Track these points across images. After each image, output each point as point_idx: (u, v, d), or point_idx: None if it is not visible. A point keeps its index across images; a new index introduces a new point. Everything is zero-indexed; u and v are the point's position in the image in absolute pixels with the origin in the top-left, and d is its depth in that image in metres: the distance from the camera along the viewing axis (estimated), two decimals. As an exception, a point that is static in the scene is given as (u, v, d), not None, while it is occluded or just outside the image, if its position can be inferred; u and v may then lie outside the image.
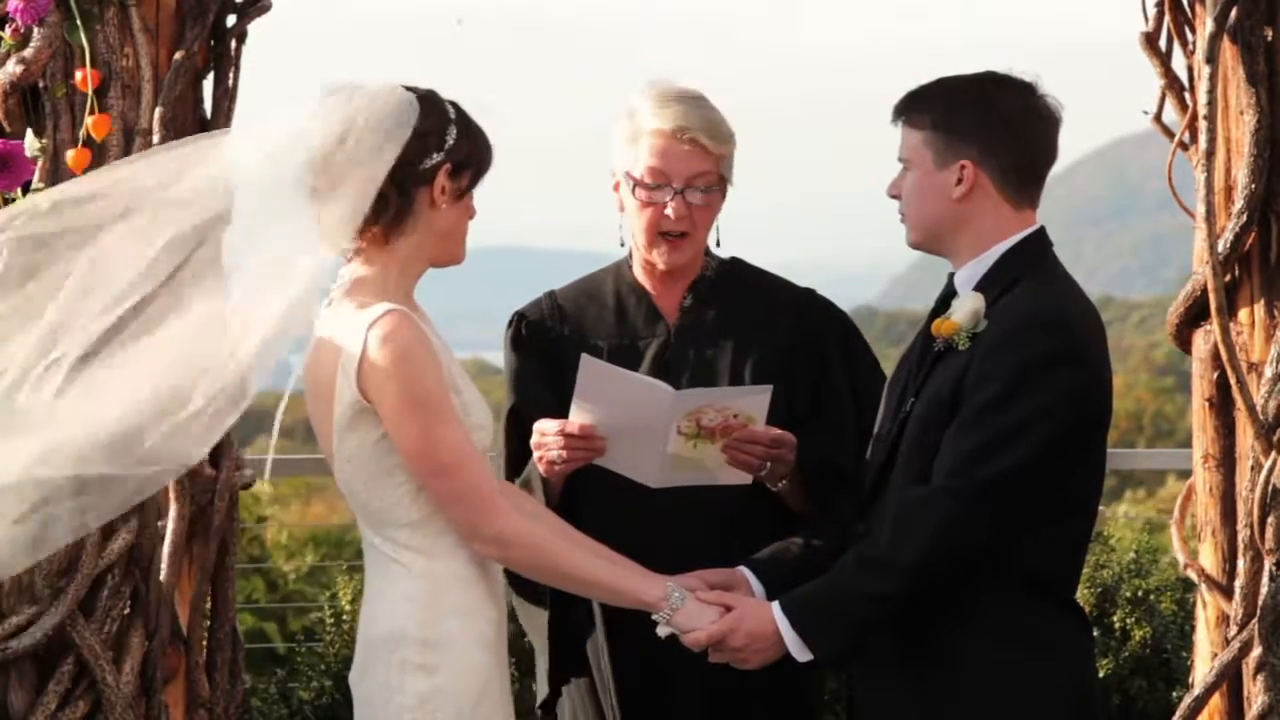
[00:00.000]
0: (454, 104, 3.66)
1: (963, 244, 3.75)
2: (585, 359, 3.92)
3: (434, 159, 3.60)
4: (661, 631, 3.74)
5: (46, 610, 4.24)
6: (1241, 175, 4.42)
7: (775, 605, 3.70)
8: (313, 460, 3.74)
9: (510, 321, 4.27)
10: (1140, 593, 6.10)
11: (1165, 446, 24.25)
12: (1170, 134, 4.70)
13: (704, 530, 4.07)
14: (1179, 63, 4.67)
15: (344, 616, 5.91)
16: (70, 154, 4.23)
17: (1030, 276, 3.70)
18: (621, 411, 3.91)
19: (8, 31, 4.24)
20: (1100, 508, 3.95)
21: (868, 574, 3.64)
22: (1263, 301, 4.46)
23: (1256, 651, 4.36)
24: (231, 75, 4.62)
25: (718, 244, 4.22)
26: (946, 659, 3.67)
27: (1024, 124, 3.72)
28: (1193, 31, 4.60)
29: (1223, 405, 4.55)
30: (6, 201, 4.19)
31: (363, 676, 3.67)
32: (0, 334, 3.60)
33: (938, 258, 3.85)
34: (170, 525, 4.46)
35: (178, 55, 4.42)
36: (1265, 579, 4.35)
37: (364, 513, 3.67)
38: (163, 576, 4.42)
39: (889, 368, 3.94)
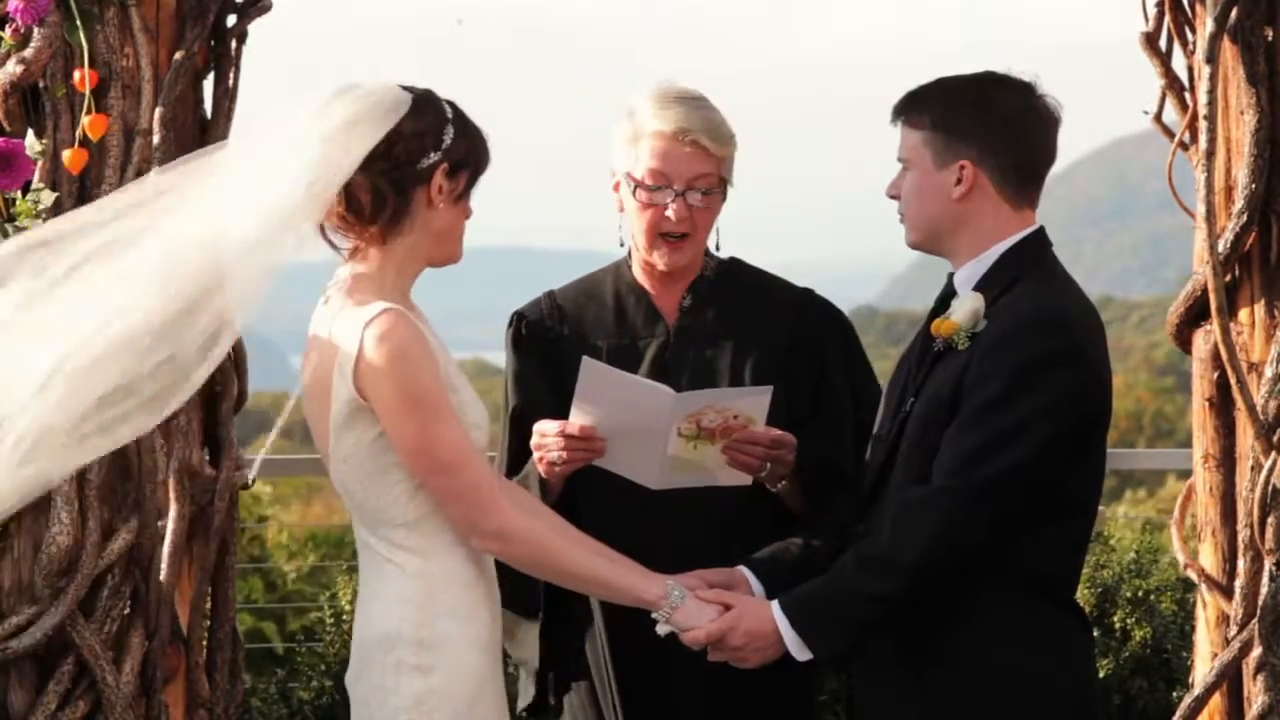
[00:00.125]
0: (451, 104, 3.66)
1: (962, 244, 3.75)
2: (586, 361, 3.92)
3: (431, 158, 3.60)
4: (661, 630, 3.74)
5: (46, 610, 4.24)
6: (1242, 175, 4.42)
7: (775, 604, 3.70)
8: (309, 460, 3.74)
9: (510, 321, 4.28)
10: (1140, 593, 6.10)
11: (1165, 446, 24.25)
12: (1170, 134, 4.70)
13: (704, 530, 4.07)
14: (1179, 63, 4.68)
15: (344, 616, 5.91)
16: (67, 154, 4.23)
17: (1030, 276, 3.70)
18: (622, 413, 3.91)
19: (8, 31, 4.25)
20: (1100, 508, 3.95)
21: (867, 573, 3.64)
22: (1263, 301, 4.46)
23: (1256, 651, 4.36)
24: (231, 75, 4.62)
25: (717, 246, 4.22)
26: (946, 659, 3.67)
27: (1023, 124, 3.72)
28: (1193, 31, 4.60)
29: (1223, 405, 4.55)
30: (7, 202, 4.19)
31: (359, 677, 3.67)
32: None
33: (938, 258, 3.85)
34: (170, 525, 4.46)
35: (178, 55, 4.42)
36: (1265, 579, 4.35)
37: (359, 512, 3.67)
38: (163, 576, 4.42)
39: (889, 367, 3.94)
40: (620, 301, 4.22)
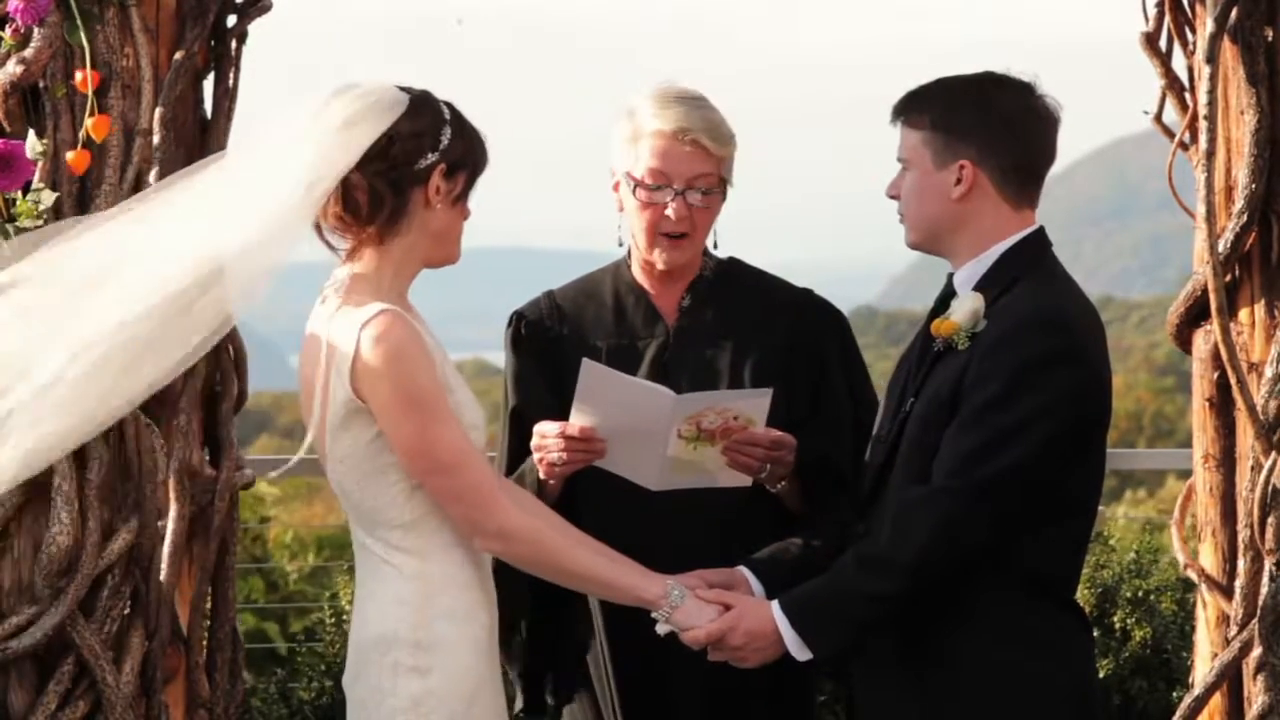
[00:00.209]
0: (449, 105, 3.67)
1: (962, 244, 3.75)
2: (586, 363, 3.92)
3: (428, 159, 3.61)
4: (661, 629, 3.74)
5: (46, 610, 4.24)
6: (1242, 175, 4.42)
7: (775, 604, 3.70)
8: (309, 461, 3.75)
9: (509, 321, 4.28)
10: (1140, 593, 6.10)
11: (1165, 446, 24.28)
12: (1170, 134, 4.70)
13: (704, 531, 4.07)
14: (1179, 63, 4.68)
15: (344, 617, 5.92)
16: (70, 155, 4.23)
17: (1030, 276, 3.70)
18: (622, 415, 3.91)
19: (8, 31, 4.24)
20: (1100, 508, 3.95)
21: (867, 573, 3.64)
22: (1263, 301, 4.46)
23: (1257, 651, 4.36)
24: (231, 75, 4.62)
25: (714, 246, 4.22)
26: (946, 659, 3.67)
27: (1023, 124, 3.72)
28: (1193, 31, 4.60)
29: (1223, 405, 4.55)
30: (7, 202, 4.19)
31: (356, 679, 3.67)
32: None
33: (938, 258, 3.85)
34: (170, 525, 4.46)
35: (178, 55, 4.42)
36: (1265, 579, 4.35)
37: (356, 513, 3.67)
38: (163, 576, 4.42)
39: (889, 367, 3.94)
40: (619, 301, 4.22)
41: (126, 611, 4.38)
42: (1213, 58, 4.36)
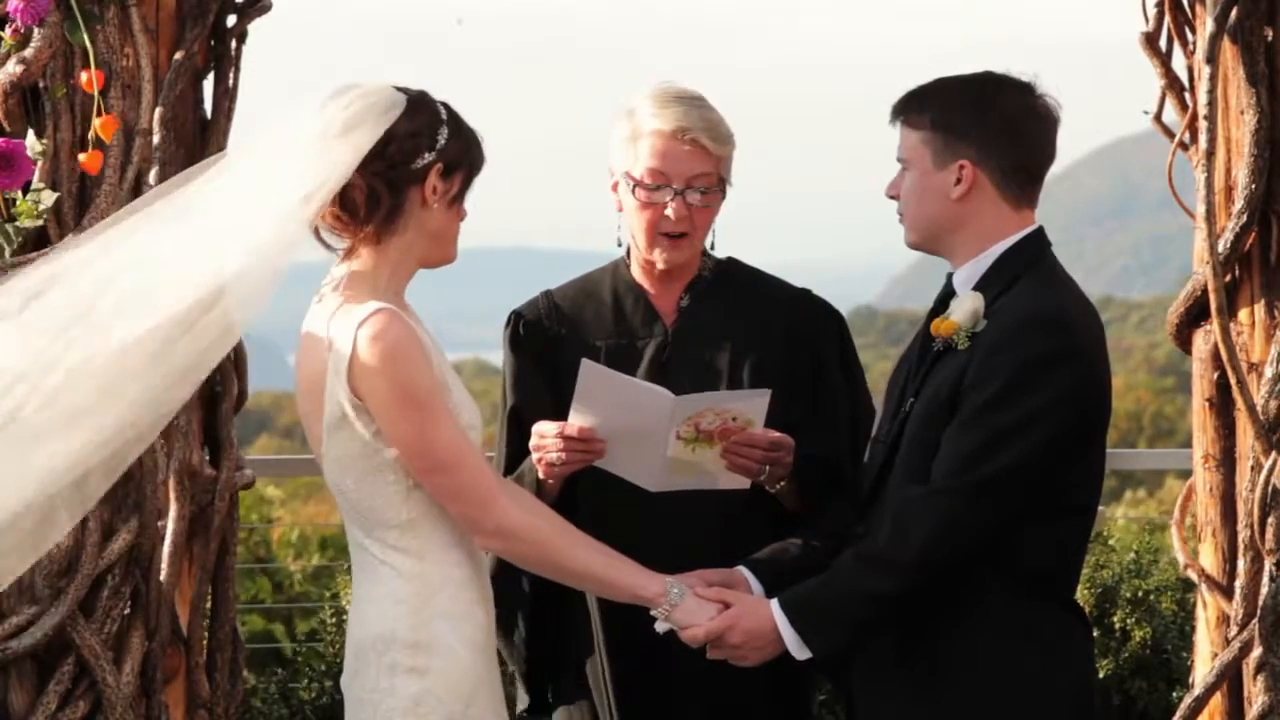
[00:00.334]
0: (446, 105, 3.68)
1: (961, 244, 3.75)
2: (585, 363, 3.92)
3: (425, 159, 3.61)
4: (660, 627, 3.74)
5: (46, 610, 4.25)
6: (1242, 175, 4.43)
7: (774, 603, 3.70)
8: (309, 461, 3.75)
9: (508, 321, 4.27)
10: (1140, 593, 6.10)
11: (1165, 446, 24.29)
12: (1170, 134, 4.70)
13: (704, 530, 4.07)
14: (1179, 63, 4.68)
15: (345, 617, 5.91)
16: (83, 156, 4.23)
17: (1029, 276, 3.70)
18: (621, 415, 3.91)
19: (8, 31, 4.25)
20: (1100, 508, 3.95)
21: (867, 572, 3.64)
22: (1263, 301, 4.46)
23: (1257, 651, 4.37)
24: (231, 75, 4.63)
25: (712, 245, 4.22)
26: (946, 658, 3.67)
27: (1023, 124, 3.72)
28: (1193, 31, 4.60)
29: (1223, 405, 4.55)
30: (7, 202, 4.19)
31: (354, 679, 3.67)
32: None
33: (938, 258, 3.85)
34: (170, 525, 4.47)
35: (178, 55, 4.42)
36: (1265, 579, 4.36)
37: (353, 513, 3.67)
38: (163, 576, 4.42)
39: (889, 368, 3.94)
40: (618, 301, 4.22)
41: (126, 611, 4.38)
42: (1213, 58, 4.36)
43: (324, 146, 3.53)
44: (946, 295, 3.78)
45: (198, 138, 4.60)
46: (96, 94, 4.24)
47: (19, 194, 4.19)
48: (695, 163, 4.06)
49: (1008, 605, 3.66)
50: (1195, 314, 4.59)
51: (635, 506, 4.00)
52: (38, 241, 4.27)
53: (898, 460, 3.73)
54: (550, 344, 4.21)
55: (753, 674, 3.81)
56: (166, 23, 4.45)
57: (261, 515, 8.00)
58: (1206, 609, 4.57)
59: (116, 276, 3.53)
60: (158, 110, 4.35)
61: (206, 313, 3.51)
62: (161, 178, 4.28)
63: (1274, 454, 4.32)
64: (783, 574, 3.93)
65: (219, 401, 4.63)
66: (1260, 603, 4.35)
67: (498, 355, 4.33)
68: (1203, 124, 4.37)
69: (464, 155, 3.66)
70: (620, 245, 4.24)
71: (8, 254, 4.21)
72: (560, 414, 3.99)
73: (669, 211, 4.07)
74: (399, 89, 3.63)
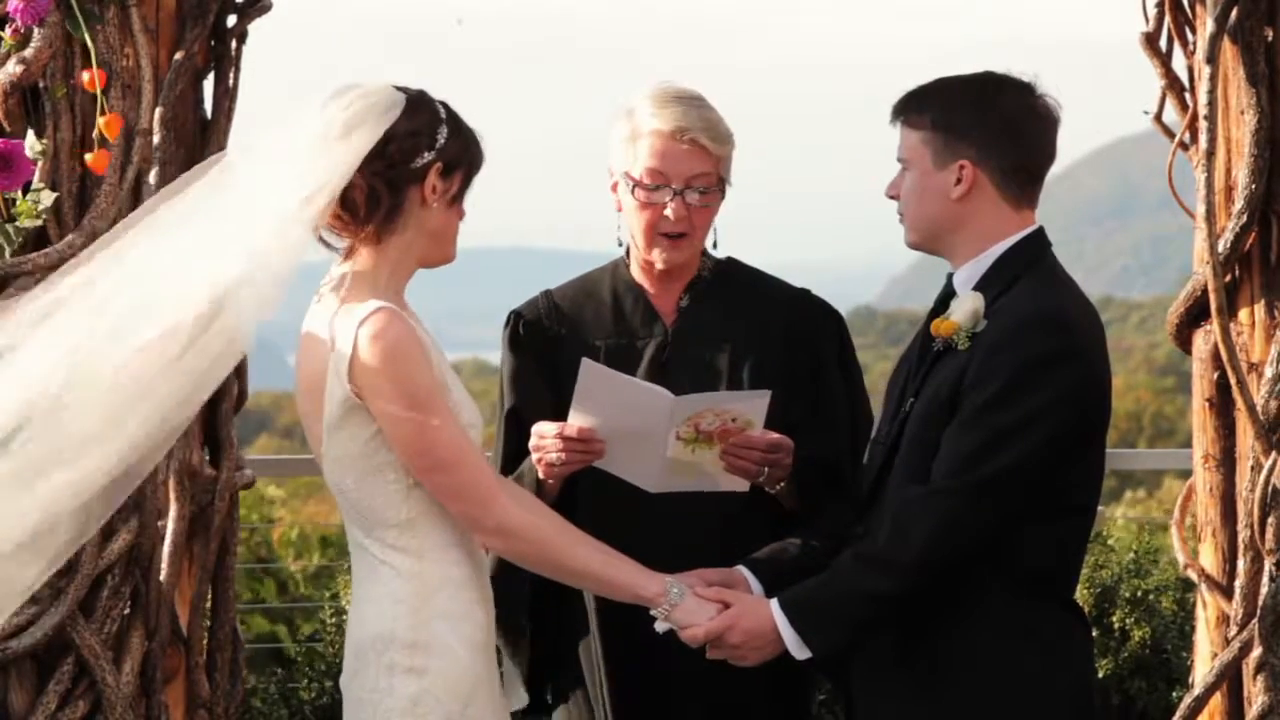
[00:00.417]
0: (445, 105, 3.68)
1: (961, 244, 3.75)
2: (585, 363, 3.92)
3: (425, 158, 3.61)
4: (659, 627, 3.74)
5: (46, 610, 4.25)
6: (1242, 175, 4.43)
7: (774, 603, 3.70)
8: (309, 461, 3.76)
9: (507, 320, 4.27)
10: (1140, 593, 6.10)
11: (1165, 446, 24.30)
12: (1171, 134, 4.70)
13: (704, 530, 4.07)
14: (1179, 63, 4.68)
15: (345, 617, 5.91)
16: (89, 156, 4.23)
17: (1029, 276, 3.70)
18: (620, 415, 3.91)
19: (8, 31, 4.25)
20: (1100, 508, 3.95)
21: (867, 572, 3.64)
22: (1263, 301, 4.46)
23: (1256, 651, 4.37)
24: (231, 75, 4.63)
25: (714, 245, 4.22)
26: (946, 658, 3.67)
27: (1023, 124, 3.72)
28: (1193, 31, 4.60)
29: (1223, 405, 4.55)
30: (7, 202, 4.20)
31: (353, 678, 3.67)
32: None
33: (938, 258, 3.85)
34: (170, 525, 4.47)
35: (178, 55, 4.43)
36: (1265, 579, 4.36)
37: (353, 513, 3.67)
38: (163, 576, 4.42)
39: (889, 368, 3.95)
40: (618, 301, 4.22)
41: (126, 611, 4.38)
42: (1213, 58, 4.37)
43: (325, 148, 3.53)
44: (946, 295, 3.78)
45: (198, 138, 4.60)
46: (99, 93, 4.24)
47: (19, 194, 4.20)
48: (694, 163, 4.06)
49: (1007, 605, 3.66)
50: (1195, 314, 4.59)
51: (635, 506, 4.00)
52: (38, 241, 4.28)
53: (897, 460, 3.73)
54: (550, 344, 4.21)
55: (752, 674, 3.81)
56: (166, 23, 4.45)
57: (262, 515, 8.00)
58: (1206, 609, 4.58)
59: (118, 294, 3.53)
60: (158, 110, 4.36)
61: (211, 323, 3.50)
62: (161, 178, 4.29)
63: (1274, 454, 4.32)
64: (782, 574, 3.93)
65: (219, 401, 4.63)
66: (1260, 603, 4.35)
67: (497, 355, 4.33)
68: (1203, 124, 4.37)
69: (463, 154, 3.67)
70: (620, 245, 4.24)
71: (8, 254, 4.22)
72: (560, 414, 3.99)
73: (668, 211, 4.07)
74: (399, 89, 3.63)
